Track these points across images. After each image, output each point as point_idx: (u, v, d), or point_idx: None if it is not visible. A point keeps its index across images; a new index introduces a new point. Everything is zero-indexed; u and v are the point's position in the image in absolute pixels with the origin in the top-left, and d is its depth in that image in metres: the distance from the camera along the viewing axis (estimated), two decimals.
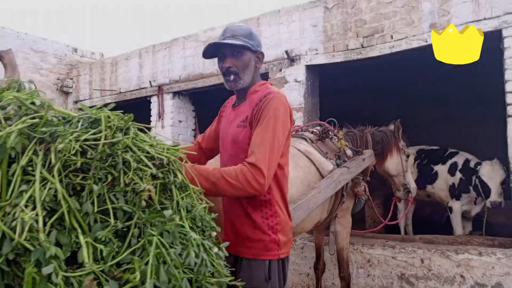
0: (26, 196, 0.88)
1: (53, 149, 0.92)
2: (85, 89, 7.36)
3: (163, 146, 1.20)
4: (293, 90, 4.67)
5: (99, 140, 1.03)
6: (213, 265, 1.12)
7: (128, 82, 6.71)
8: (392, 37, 4.10)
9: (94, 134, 1.03)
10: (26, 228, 0.83)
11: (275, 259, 1.56)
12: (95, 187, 0.96)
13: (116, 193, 1.03)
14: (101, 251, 0.90)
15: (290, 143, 2.82)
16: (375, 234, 4.70)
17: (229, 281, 1.20)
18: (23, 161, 0.92)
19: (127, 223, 1.00)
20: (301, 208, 2.27)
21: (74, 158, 0.95)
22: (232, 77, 1.61)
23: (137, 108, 7.46)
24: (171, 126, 6.12)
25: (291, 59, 4.69)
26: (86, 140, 1.02)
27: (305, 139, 2.95)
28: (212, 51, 1.63)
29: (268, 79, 4.92)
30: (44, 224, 0.87)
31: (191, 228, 1.14)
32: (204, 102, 6.55)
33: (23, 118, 0.97)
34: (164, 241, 0.92)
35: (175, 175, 1.22)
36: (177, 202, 1.16)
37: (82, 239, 0.88)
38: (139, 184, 1.03)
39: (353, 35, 4.33)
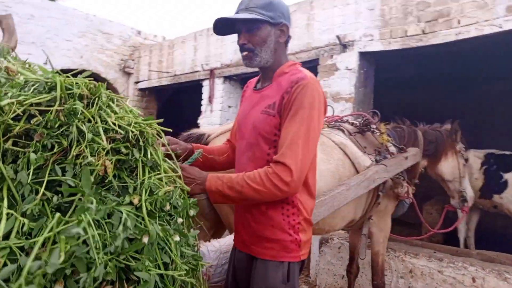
0: None
1: None
2: (144, 70, 7.66)
3: (133, 119, 1.09)
4: (343, 78, 4.35)
5: (52, 106, 0.95)
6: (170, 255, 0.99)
7: (183, 65, 6.82)
8: (459, 22, 3.57)
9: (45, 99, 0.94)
10: None
11: (296, 261, 1.39)
12: (33, 156, 0.87)
13: (66, 166, 0.95)
14: (29, 225, 0.82)
15: (326, 134, 2.62)
16: (425, 243, 4.26)
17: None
18: None
19: (70, 198, 0.91)
20: (324, 204, 2.09)
21: (11, 122, 0.87)
22: (245, 53, 1.43)
23: (191, 91, 7.63)
24: (220, 111, 6.10)
25: (344, 45, 4.35)
26: (39, 104, 0.95)
27: (343, 131, 2.71)
28: (226, 27, 1.47)
29: (318, 66, 4.65)
30: None
31: (150, 211, 1.03)
32: None
33: None
34: (90, 220, 0.80)
35: (145, 152, 1.10)
36: (141, 182, 1.04)
37: (4, 210, 0.80)
38: (88, 157, 0.93)
39: (414, 20, 3.86)
